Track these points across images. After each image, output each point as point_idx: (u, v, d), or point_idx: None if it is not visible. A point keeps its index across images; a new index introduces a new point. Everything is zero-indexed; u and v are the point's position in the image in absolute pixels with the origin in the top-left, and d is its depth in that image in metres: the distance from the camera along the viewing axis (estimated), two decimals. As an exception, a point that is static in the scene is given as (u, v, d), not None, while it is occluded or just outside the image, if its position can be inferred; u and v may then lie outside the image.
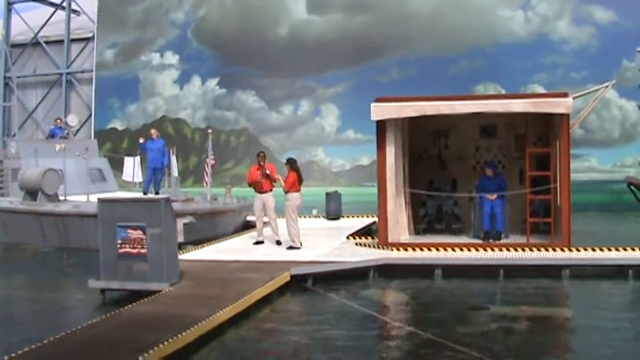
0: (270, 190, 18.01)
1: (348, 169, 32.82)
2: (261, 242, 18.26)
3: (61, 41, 38.34)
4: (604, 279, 14.80)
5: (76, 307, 13.78)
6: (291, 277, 14.29)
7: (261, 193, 17.96)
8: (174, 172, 23.76)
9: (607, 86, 18.00)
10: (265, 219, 18.34)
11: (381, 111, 17.04)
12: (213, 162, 22.43)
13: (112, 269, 13.20)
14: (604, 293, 13.98)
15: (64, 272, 17.99)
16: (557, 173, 16.88)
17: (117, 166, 27.80)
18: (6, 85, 36.89)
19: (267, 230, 18.38)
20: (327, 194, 24.77)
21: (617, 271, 14.97)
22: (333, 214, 24.13)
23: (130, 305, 11.65)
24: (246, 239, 19.49)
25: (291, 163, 17.57)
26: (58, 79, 38.30)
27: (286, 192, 17.41)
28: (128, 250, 13.03)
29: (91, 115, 36.64)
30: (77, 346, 9.38)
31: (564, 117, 16.50)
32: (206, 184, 22.43)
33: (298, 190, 17.51)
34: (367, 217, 23.53)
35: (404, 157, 18.25)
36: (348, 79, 32.44)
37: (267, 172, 17.65)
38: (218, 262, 15.68)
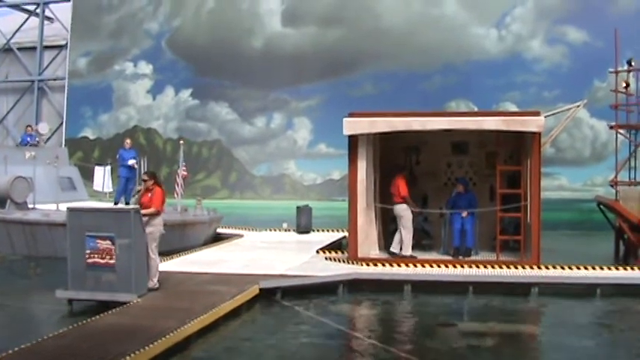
0: (399, 203, 17.61)
1: (319, 182, 32.77)
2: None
3: (34, 48, 38.11)
4: (572, 297, 14.83)
5: (42, 317, 13.64)
6: (260, 290, 14.23)
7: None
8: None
9: (578, 106, 18.20)
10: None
11: (353, 126, 17.05)
12: (185, 173, 22.36)
13: (80, 279, 13.07)
14: (572, 311, 14.01)
15: (31, 281, 17.82)
16: (528, 191, 16.95)
17: (87, 175, 27.64)
18: (-23, 91, 36.60)
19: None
20: (298, 208, 24.75)
21: (586, 290, 15.02)
22: (304, 228, 24.09)
23: (98, 316, 11.54)
24: (215, 251, 19.44)
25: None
26: (29, 86, 38.03)
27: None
28: (97, 260, 12.90)
29: (62, 123, 36.35)
30: (43, 357, 9.27)
31: (536, 135, 16.58)
32: (177, 194, 22.35)
33: None
34: (337, 231, 23.50)
35: (375, 173, 18.28)
36: (321, 93, 32.50)
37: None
38: (187, 274, 15.55)
